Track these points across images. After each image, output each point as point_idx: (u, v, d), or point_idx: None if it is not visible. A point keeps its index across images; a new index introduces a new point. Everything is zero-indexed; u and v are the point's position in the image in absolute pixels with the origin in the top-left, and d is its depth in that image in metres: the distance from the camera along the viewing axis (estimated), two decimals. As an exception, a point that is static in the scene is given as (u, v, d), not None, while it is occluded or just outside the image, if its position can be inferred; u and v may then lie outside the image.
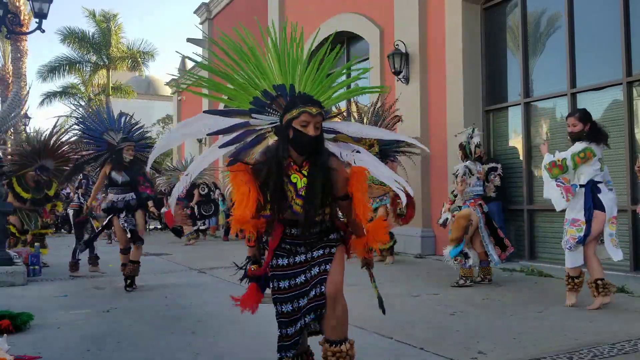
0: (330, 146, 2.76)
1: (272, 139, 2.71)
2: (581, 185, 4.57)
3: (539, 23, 7.84)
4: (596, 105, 6.92)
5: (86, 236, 7.27)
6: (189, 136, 2.87)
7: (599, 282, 4.50)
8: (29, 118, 20.70)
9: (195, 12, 18.64)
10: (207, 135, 2.70)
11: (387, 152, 8.02)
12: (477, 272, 6.01)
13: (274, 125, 2.67)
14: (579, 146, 4.56)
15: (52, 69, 24.75)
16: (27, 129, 22.08)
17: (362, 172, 2.66)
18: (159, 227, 18.52)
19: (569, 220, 4.63)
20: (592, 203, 4.50)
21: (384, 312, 2.95)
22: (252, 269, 2.79)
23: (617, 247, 4.60)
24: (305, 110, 2.51)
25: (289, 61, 2.61)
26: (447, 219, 6.02)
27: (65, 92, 27.27)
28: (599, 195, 4.53)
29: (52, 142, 7.52)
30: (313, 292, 2.58)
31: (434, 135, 8.74)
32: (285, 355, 2.71)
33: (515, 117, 8.07)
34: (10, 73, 23.51)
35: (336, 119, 2.98)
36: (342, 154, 2.77)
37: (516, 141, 8.06)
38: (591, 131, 4.60)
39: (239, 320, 4.46)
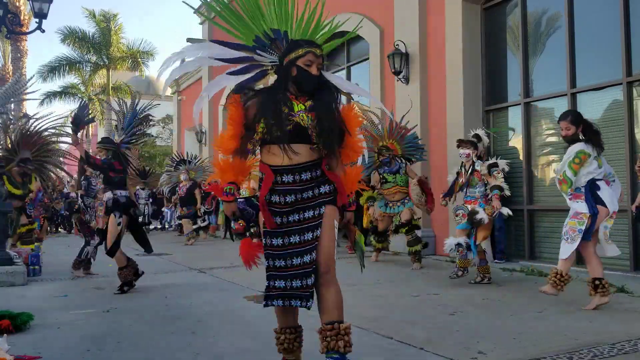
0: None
1: (272, 77, 2.90)
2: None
3: (539, 23, 7.85)
4: (596, 105, 6.93)
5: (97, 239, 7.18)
6: (201, 62, 3.01)
7: (597, 281, 4.47)
8: (29, 118, 20.68)
9: (195, 12, 18.63)
10: (215, 59, 2.85)
11: (414, 150, 7.89)
12: (476, 272, 6.01)
13: (274, 64, 2.85)
14: (571, 152, 4.56)
15: (52, 69, 24.76)
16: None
17: (351, 109, 2.86)
18: (159, 227, 18.56)
19: (571, 214, 4.61)
20: (594, 201, 4.51)
21: (362, 268, 3.14)
22: (239, 225, 2.81)
23: (609, 242, 4.59)
24: (310, 50, 2.72)
25: (283, 11, 2.85)
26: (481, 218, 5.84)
27: (65, 92, 27.28)
28: (598, 193, 4.53)
29: (26, 132, 7.52)
30: (301, 259, 2.65)
31: (434, 135, 8.74)
32: (271, 303, 2.77)
33: (515, 117, 8.08)
34: (11, 73, 23.51)
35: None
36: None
37: (516, 141, 8.07)
38: (585, 132, 4.61)
39: (239, 320, 4.47)
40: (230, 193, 2.73)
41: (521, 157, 7.86)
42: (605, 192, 4.55)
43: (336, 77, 3.12)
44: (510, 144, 8.19)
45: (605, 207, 4.52)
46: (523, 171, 7.78)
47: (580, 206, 4.55)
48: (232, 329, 4.16)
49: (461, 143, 6.13)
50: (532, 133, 7.79)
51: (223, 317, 4.55)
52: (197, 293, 5.79)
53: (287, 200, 2.68)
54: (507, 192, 5.96)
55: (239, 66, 2.85)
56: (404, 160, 7.61)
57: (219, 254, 9.92)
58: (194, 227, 12.64)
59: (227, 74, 2.87)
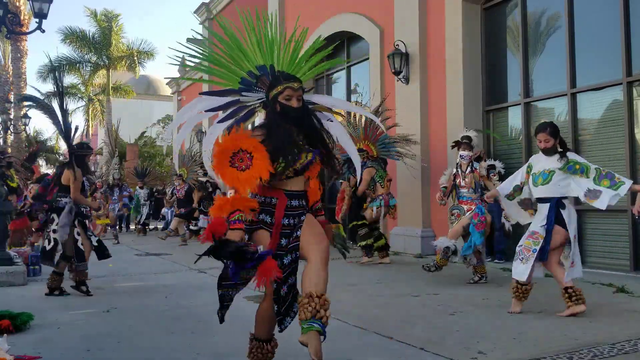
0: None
1: (260, 113, 3.09)
2: (544, 200, 4.47)
3: (539, 23, 7.85)
4: (596, 105, 6.93)
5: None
6: (193, 120, 3.11)
7: (570, 290, 4.33)
8: (29, 118, 20.72)
9: (195, 12, 18.64)
10: (205, 112, 3.04)
11: (387, 152, 8.05)
12: (473, 272, 6.04)
13: (261, 100, 3.02)
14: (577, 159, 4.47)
15: (52, 69, 24.73)
16: (27, 129, 22.13)
17: None
18: (160, 227, 18.54)
19: (527, 233, 4.54)
20: (554, 218, 4.38)
21: (345, 254, 3.26)
22: (254, 246, 2.81)
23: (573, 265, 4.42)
24: (288, 85, 2.88)
25: (266, 43, 3.00)
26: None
27: (65, 92, 27.25)
28: (562, 211, 4.41)
29: None
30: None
31: (434, 135, 8.74)
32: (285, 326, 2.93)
33: (515, 117, 8.08)
34: (11, 73, 23.50)
35: (311, 93, 3.27)
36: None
37: (516, 141, 8.06)
38: (560, 145, 4.52)
39: (239, 320, 4.46)
40: (241, 220, 2.74)
41: (521, 157, 7.85)
42: (567, 213, 4.41)
43: (319, 97, 3.26)
44: (511, 144, 8.19)
45: (565, 229, 4.38)
46: (523, 171, 7.77)
47: (535, 225, 4.50)
48: (232, 329, 4.15)
49: (461, 145, 6.13)
50: (532, 133, 7.78)
51: (223, 317, 4.55)
52: (197, 293, 5.79)
53: (293, 222, 2.87)
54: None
55: (228, 111, 3.03)
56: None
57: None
58: (186, 229, 12.52)
59: (217, 122, 3.04)
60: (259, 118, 3.16)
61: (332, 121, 3.16)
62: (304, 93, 3.00)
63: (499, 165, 6.02)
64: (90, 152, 6.15)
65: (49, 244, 5.65)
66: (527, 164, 4.74)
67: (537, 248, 4.37)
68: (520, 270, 4.42)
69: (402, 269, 7.34)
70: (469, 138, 6.16)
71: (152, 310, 4.90)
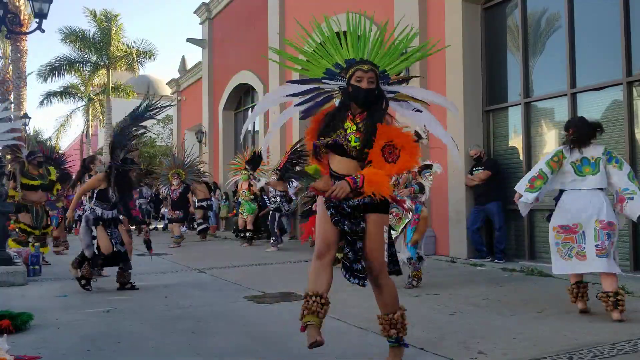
0: (394, 105, 3.33)
1: (338, 99, 3.25)
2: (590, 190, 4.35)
3: (539, 23, 7.85)
4: (596, 105, 6.93)
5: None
6: (277, 101, 3.50)
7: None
8: (29, 118, 20.73)
9: (195, 12, 18.64)
10: (287, 96, 3.27)
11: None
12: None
13: (341, 87, 3.19)
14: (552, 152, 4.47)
15: (52, 69, 24.76)
16: (27, 129, 22.13)
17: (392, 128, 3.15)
18: (162, 227, 18.56)
19: (603, 222, 4.28)
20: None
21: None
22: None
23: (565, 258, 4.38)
24: (358, 67, 3.06)
25: (361, 39, 3.17)
26: None
27: (65, 92, 27.28)
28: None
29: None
30: (360, 266, 3.12)
31: (434, 135, 8.72)
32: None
33: (515, 117, 8.07)
34: (10, 73, 23.51)
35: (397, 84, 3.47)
36: (402, 111, 3.43)
37: (516, 141, 8.07)
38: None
39: (239, 320, 4.47)
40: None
41: (521, 157, 7.86)
42: (565, 205, 4.38)
43: (413, 89, 3.49)
44: (510, 144, 8.19)
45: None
46: (523, 171, 7.76)
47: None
48: (232, 329, 4.16)
49: None
50: (532, 133, 7.79)
51: (223, 317, 4.55)
52: (197, 293, 5.79)
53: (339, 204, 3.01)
54: (422, 197, 5.82)
55: (306, 97, 3.26)
56: None
57: (219, 254, 9.92)
58: (183, 230, 12.49)
59: (294, 105, 3.27)
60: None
61: (420, 111, 3.44)
62: (399, 84, 3.29)
63: (436, 167, 5.94)
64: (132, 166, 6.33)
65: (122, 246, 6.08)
66: (556, 152, 4.52)
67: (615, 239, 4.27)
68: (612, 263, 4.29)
69: (402, 269, 7.33)
70: (417, 134, 6.09)
71: (152, 310, 4.90)
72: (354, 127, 3.04)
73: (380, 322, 3.14)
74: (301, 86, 3.25)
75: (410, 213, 5.70)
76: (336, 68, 3.18)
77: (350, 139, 3.01)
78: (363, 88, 3.04)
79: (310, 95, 3.26)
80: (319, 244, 3.04)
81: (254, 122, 15.33)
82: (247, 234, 11.31)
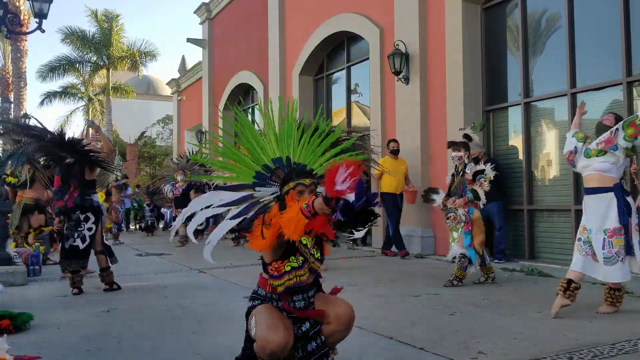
0: None
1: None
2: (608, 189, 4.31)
3: (539, 23, 7.85)
4: (596, 105, 6.93)
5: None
6: (207, 213, 3.07)
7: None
8: (29, 118, 20.71)
9: (195, 12, 18.64)
10: (218, 207, 2.99)
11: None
12: (480, 272, 6.02)
13: (275, 195, 2.97)
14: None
15: (52, 69, 24.78)
16: (27, 129, 22.11)
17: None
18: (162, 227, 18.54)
19: (608, 230, 4.29)
20: (624, 207, 4.26)
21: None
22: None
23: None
24: (299, 182, 2.87)
25: (284, 136, 3.00)
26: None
27: (65, 92, 27.28)
28: (627, 198, 4.33)
29: None
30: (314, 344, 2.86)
31: (434, 135, 8.74)
32: None
33: (515, 117, 8.08)
34: (10, 73, 23.50)
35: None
36: None
37: (516, 141, 8.07)
38: None
39: (239, 320, 4.46)
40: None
41: (521, 157, 7.86)
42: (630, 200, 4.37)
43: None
44: (510, 143, 8.19)
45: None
46: (523, 171, 7.78)
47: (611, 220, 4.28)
48: (232, 329, 4.15)
49: (453, 145, 6.09)
50: (532, 133, 7.79)
51: (223, 317, 4.55)
52: (197, 293, 5.79)
53: (297, 306, 2.91)
54: (481, 203, 5.88)
55: (241, 207, 2.97)
56: None
57: (219, 253, 9.91)
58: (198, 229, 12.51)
59: (228, 219, 2.99)
60: None
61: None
62: (318, 185, 3.01)
63: (490, 171, 5.93)
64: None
65: (82, 242, 5.79)
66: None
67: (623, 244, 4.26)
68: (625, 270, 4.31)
69: (402, 269, 7.33)
70: (467, 136, 6.12)
71: (152, 310, 4.90)
72: (311, 240, 2.88)
73: None
74: (233, 194, 2.99)
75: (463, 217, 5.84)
76: (266, 171, 2.97)
77: (314, 253, 2.89)
78: None
79: (245, 206, 3.00)
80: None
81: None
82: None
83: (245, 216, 2.93)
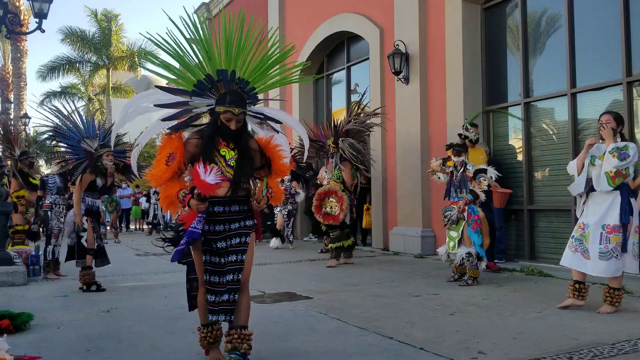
0: (256, 128, 3.35)
1: (206, 118, 3.18)
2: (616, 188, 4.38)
3: (539, 23, 7.85)
4: (596, 105, 6.93)
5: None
6: (142, 110, 3.17)
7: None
8: (29, 118, 20.73)
9: (195, 12, 18.64)
10: (155, 106, 3.11)
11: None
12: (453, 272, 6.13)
13: (210, 107, 3.10)
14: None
15: (52, 69, 24.78)
16: (27, 129, 22.14)
17: (269, 141, 3.18)
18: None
19: (607, 226, 4.38)
20: (627, 206, 4.33)
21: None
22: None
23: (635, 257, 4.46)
24: (228, 110, 2.98)
25: (236, 48, 3.04)
26: None
27: (65, 92, 27.29)
28: (631, 199, 4.40)
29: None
30: (230, 277, 3.00)
31: (434, 135, 8.74)
32: (216, 319, 3.07)
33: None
34: (10, 73, 23.52)
35: (262, 104, 3.39)
36: (262, 133, 3.34)
37: (516, 141, 8.07)
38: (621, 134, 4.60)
39: (239, 320, 4.46)
40: (187, 193, 2.97)
41: (521, 157, 7.85)
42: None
43: (270, 110, 3.38)
44: (510, 143, 8.19)
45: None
46: (523, 171, 7.77)
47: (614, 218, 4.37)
48: (232, 329, 4.15)
49: (453, 150, 6.10)
50: (532, 133, 7.79)
51: (223, 317, 4.54)
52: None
53: (217, 229, 3.05)
54: (481, 199, 5.92)
55: (173, 111, 3.12)
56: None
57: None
58: None
59: (160, 120, 3.13)
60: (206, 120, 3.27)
61: (278, 132, 3.35)
62: (257, 103, 3.16)
63: (491, 171, 5.94)
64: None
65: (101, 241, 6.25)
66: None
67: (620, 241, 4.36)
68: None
69: (402, 269, 7.33)
70: (464, 137, 6.21)
71: (152, 310, 4.90)
72: (233, 153, 3.06)
73: (231, 337, 3.04)
74: (171, 97, 3.10)
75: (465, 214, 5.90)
76: (207, 81, 3.07)
77: (232, 165, 3.04)
78: (231, 129, 3.03)
79: (178, 111, 3.14)
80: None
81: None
82: None
83: (176, 120, 3.10)
